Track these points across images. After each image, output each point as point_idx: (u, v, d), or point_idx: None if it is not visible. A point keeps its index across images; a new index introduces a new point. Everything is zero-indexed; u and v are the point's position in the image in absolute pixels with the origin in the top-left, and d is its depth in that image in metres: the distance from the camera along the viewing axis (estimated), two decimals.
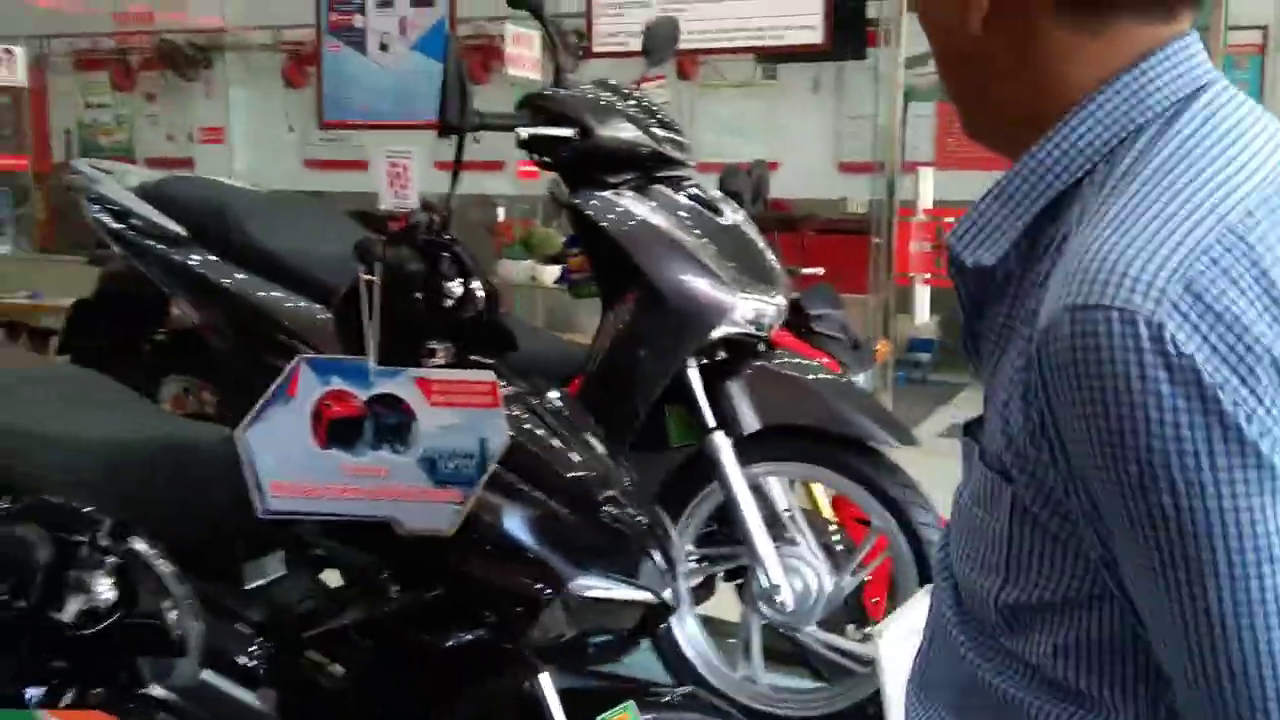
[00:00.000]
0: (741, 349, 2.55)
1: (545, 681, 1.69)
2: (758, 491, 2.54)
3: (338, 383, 1.58)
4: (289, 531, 1.81)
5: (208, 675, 1.74)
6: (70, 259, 5.81)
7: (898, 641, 2.08)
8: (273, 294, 2.80)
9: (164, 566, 1.62)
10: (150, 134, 10.15)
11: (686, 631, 2.66)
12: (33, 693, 1.67)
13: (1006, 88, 0.86)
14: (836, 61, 7.33)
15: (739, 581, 2.76)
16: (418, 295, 1.66)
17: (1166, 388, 0.68)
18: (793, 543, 2.54)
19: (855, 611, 2.76)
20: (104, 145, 10.11)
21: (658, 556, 1.78)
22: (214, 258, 2.85)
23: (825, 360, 2.78)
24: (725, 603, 2.86)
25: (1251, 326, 0.69)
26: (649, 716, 1.74)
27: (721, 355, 2.56)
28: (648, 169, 2.54)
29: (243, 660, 1.77)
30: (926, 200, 5.57)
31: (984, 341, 0.90)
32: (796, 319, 2.86)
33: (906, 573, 2.45)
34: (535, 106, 2.50)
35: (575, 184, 2.55)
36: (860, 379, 3.07)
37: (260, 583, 1.91)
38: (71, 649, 1.63)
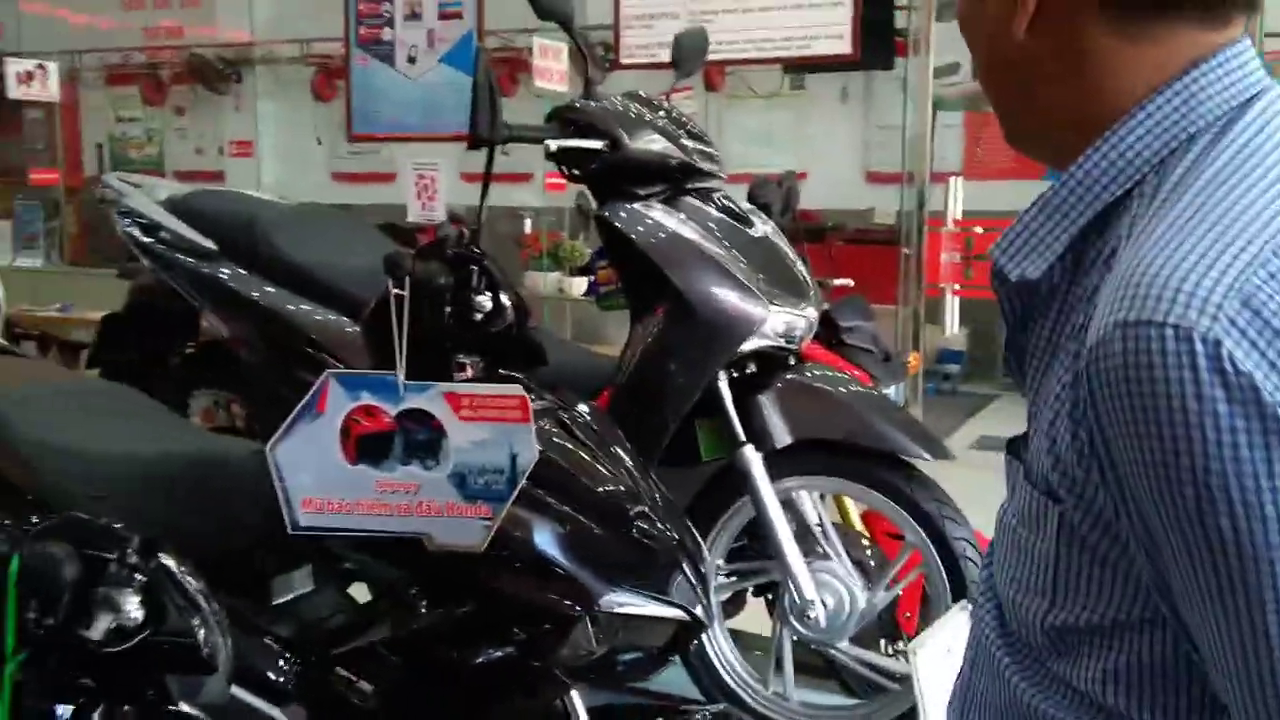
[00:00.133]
0: (772, 362, 2.53)
1: (575, 699, 1.68)
2: (789, 506, 2.51)
3: (367, 398, 1.58)
4: (317, 546, 1.81)
5: (237, 692, 1.73)
6: (101, 272, 5.86)
7: (933, 658, 2.05)
8: (301, 307, 2.80)
9: (192, 583, 1.61)
10: (180, 147, 10.24)
11: (717, 647, 2.63)
12: (62, 710, 1.66)
13: (1052, 96, 0.83)
14: (864, 71, 7.30)
15: (769, 596, 2.74)
16: (447, 309, 1.65)
17: (1224, 407, 0.66)
18: (825, 558, 2.51)
19: (888, 627, 2.72)
20: (134, 159, 10.21)
21: (689, 572, 1.76)
22: (243, 271, 2.86)
23: (856, 373, 2.75)
24: (754, 616, 2.83)
25: None
26: None
27: (751, 368, 2.53)
28: (677, 181, 2.52)
29: (271, 677, 1.76)
30: (957, 211, 5.53)
31: (1028, 357, 0.88)
32: (827, 331, 2.83)
33: (940, 588, 2.42)
34: (564, 119, 2.49)
35: (604, 196, 2.53)
36: (892, 391, 3.04)
37: (288, 598, 1.90)
38: (100, 666, 1.62)
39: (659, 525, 1.76)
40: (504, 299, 1.69)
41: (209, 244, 2.89)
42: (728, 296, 2.42)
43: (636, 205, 2.48)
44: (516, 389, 1.57)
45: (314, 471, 1.58)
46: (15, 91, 6.29)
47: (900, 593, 2.62)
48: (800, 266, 2.61)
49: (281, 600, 1.89)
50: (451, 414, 1.56)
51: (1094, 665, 0.81)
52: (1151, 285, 0.69)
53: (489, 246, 1.78)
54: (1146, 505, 0.71)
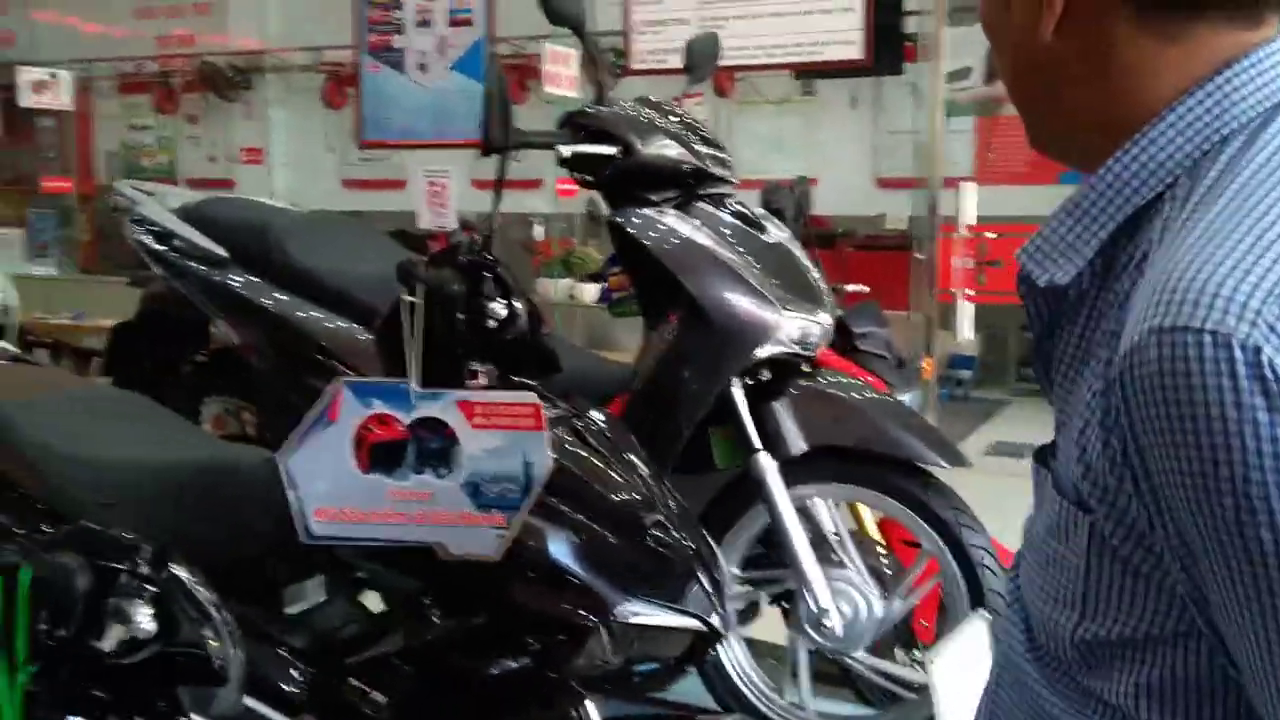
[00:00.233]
0: (786, 369, 2.51)
1: (591, 710, 1.66)
2: (804, 513, 2.49)
3: (379, 406, 1.57)
4: (329, 555, 1.79)
5: (249, 702, 1.72)
6: (113, 280, 5.86)
7: (950, 667, 2.03)
8: (313, 315, 2.80)
9: (204, 593, 1.60)
10: (191, 155, 10.27)
11: (732, 656, 2.61)
12: None
13: (1079, 98, 0.82)
14: (874, 78, 7.29)
15: (785, 605, 2.72)
16: (460, 316, 1.63)
17: (1264, 415, 0.64)
18: (841, 566, 2.49)
19: (904, 635, 2.70)
20: (146, 167, 10.24)
21: (705, 582, 1.74)
22: (254, 279, 2.85)
23: (871, 379, 2.73)
24: (768, 624, 2.81)
25: None
26: None
27: (765, 375, 2.51)
28: (690, 186, 2.50)
29: (284, 687, 1.75)
30: (970, 216, 5.50)
31: (1055, 364, 0.86)
32: (841, 337, 2.81)
33: (957, 596, 2.40)
34: (576, 124, 2.48)
35: (617, 202, 2.52)
36: (906, 398, 3.01)
37: (301, 607, 1.89)
38: (112, 678, 1.61)
39: (675, 534, 1.75)
40: (518, 305, 1.68)
41: (221, 251, 2.89)
42: (742, 303, 2.40)
43: (649, 211, 2.47)
44: (531, 397, 1.56)
45: (327, 480, 1.57)
46: (28, 100, 6.31)
47: (917, 601, 2.60)
48: (815, 272, 2.59)
49: (294, 610, 1.88)
50: (465, 422, 1.55)
51: (1126, 679, 0.79)
52: (1188, 290, 0.67)
53: (499, 253, 1.76)
54: (1183, 515, 0.69)
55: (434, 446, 1.56)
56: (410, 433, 1.56)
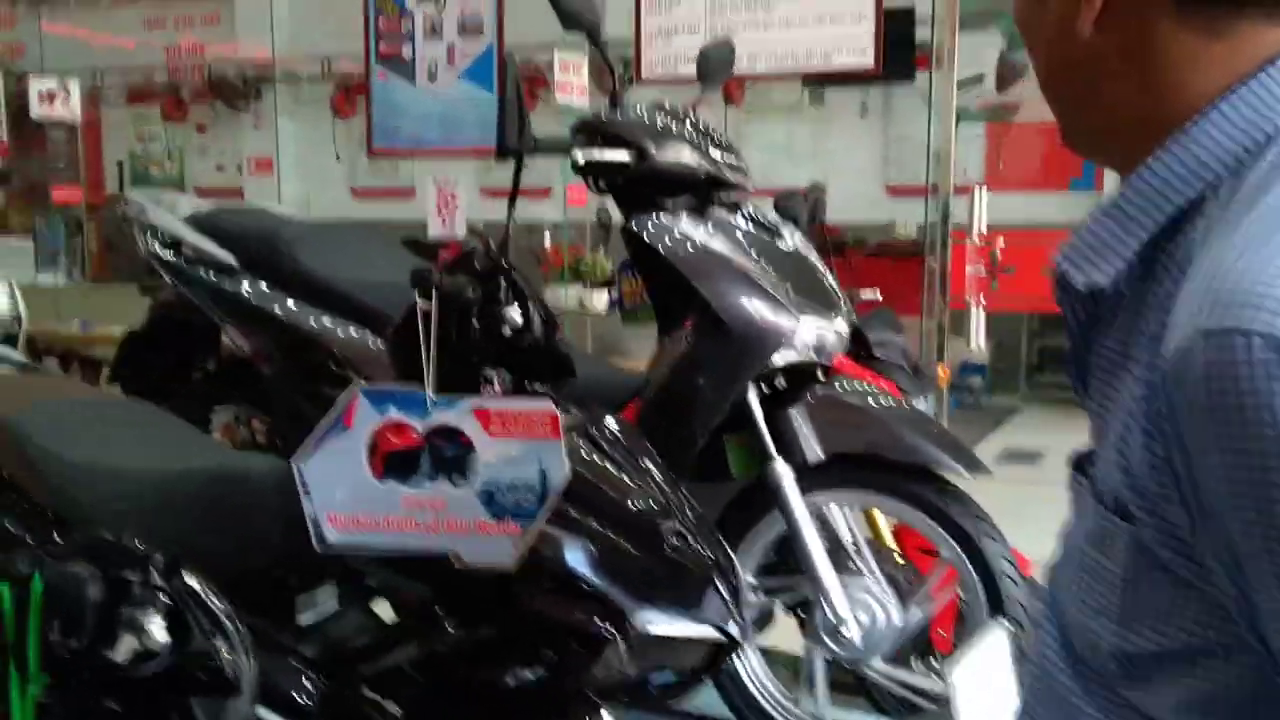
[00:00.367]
0: (802, 376, 2.49)
1: None
2: (820, 521, 2.47)
3: (394, 413, 1.55)
4: (342, 563, 1.78)
5: (262, 713, 1.70)
6: (123, 289, 5.86)
7: (971, 677, 2.00)
8: (324, 322, 2.79)
9: (216, 604, 1.58)
10: (200, 164, 10.28)
11: (748, 665, 2.59)
12: None
13: (1118, 94, 0.80)
14: (883, 86, 7.27)
15: (800, 613, 2.69)
16: (475, 323, 1.62)
17: None
18: (858, 574, 2.46)
19: (921, 644, 2.67)
20: (155, 176, 10.25)
21: (723, 590, 1.72)
22: (264, 286, 2.84)
23: (887, 386, 2.71)
24: (784, 633, 2.78)
25: None
26: None
27: (780, 382, 2.49)
28: (704, 193, 2.49)
29: (297, 698, 1.73)
30: (982, 223, 5.49)
31: (1093, 369, 0.84)
32: (856, 344, 2.79)
33: (977, 605, 2.37)
34: (591, 130, 2.46)
35: (631, 208, 2.50)
36: (921, 405, 2.99)
37: (313, 616, 1.87)
38: (124, 690, 1.59)
39: (692, 542, 1.72)
40: (533, 311, 1.66)
41: (231, 259, 2.88)
42: (758, 309, 2.39)
43: (664, 217, 2.45)
44: (548, 404, 1.54)
45: (341, 488, 1.56)
46: (38, 111, 6.32)
47: (935, 610, 2.57)
48: (830, 279, 2.57)
49: (306, 619, 1.86)
50: (481, 430, 1.53)
51: (1170, 693, 0.77)
52: (1235, 292, 0.65)
53: (513, 260, 1.75)
54: (1231, 524, 0.67)
55: (449, 454, 1.54)
56: (425, 440, 1.54)
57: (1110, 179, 7.27)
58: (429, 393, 1.55)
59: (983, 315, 5.54)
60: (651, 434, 2.07)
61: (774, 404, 2.45)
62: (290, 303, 2.83)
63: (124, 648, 1.50)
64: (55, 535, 1.76)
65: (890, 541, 2.80)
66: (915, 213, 6.53)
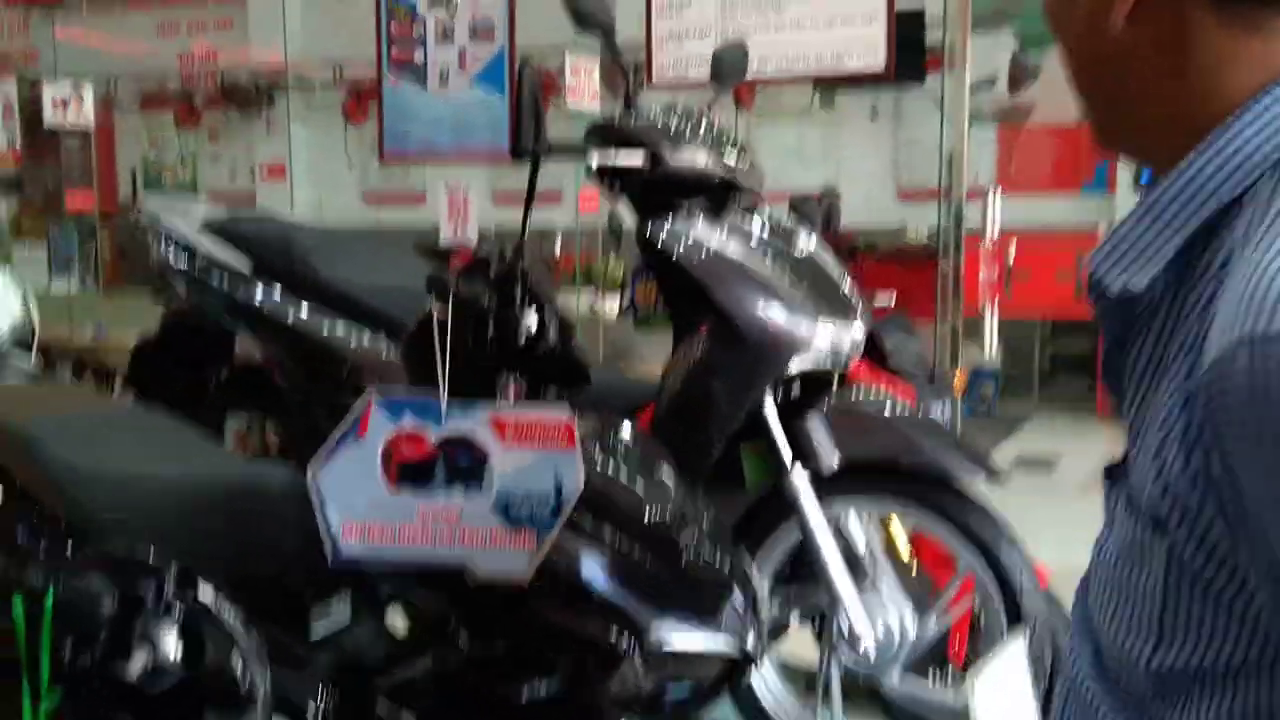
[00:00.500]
0: (818, 383, 2.46)
1: None
2: (836, 531, 2.44)
3: (410, 420, 1.53)
4: (356, 573, 1.76)
5: None
6: (136, 296, 5.86)
7: (991, 689, 1.97)
8: (337, 328, 2.78)
9: (230, 616, 1.57)
10: (213, 171, 10.30)
11: (762, 676, 2.56)
12: None
13: (1152, 91, 0.77)
14: (894, 89, 7.25)
15: (815, 624, 2.66)
16: (490, 329, 1.60)
17: None
18: (874, 585, 2.44)
19: (937, 655, 2.64)
20: (168, 183, 10.27)
21: (740, 603, 1.70)
22: (278, 293, 2.84)
23: (901, 392, 2.68)
24: (798, 643, 2.76)
25: None
26: None
27: (796, 389, 2.47)
28: (719, 197, 2.46)
29: (311, 710, 1.71)
30: (995, 227, 5.46)
31: (1128, 376, 0.81)
32: (872, 350, 2.77)
33: (995, 616, 2.34)
34: (605, 134, 2.44)
35: (645, 212, 2.48)
36: (936, 411, 2.97)
37: (327, 627, 1.86)
38: (137, 704, 1.58)
39: (709, 553, 1.70)
40: (548, 317, 1.64)
41: (244, 266, 2.87)
42: (773, 316, 2.36)
43: (678, 222, 2.43)
44: (564, 413, 1.52)
45: (355, 498, 1.54)
46: (51, 117, 6.33)
47: (952, 621, 2.55)
48: (846, 284, 2.54)
49: (320, 629, 1.85)
50: (496, 438, 1.51)
51: (1206, 711, 0.74)
52: (1277, 296, 0.63)
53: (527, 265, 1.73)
54: (1276, 536, 0.65)
55: (464, 464, 1.52)
56: (440, 450, 1.52)
57: (1123, 182, 7.23)
58: (443, 400, 1.53)
59: (996, 320, 5.52)
60: (666, 442, 2.05)
61: (790, 411, 2.42)
62: (303, 309, 2.82)
63: (137, 662, 1.49)
64: (68, 546, 1.75)
65: (906, 552, 2.77)
66: (926, 217, 6.50)
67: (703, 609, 1.66)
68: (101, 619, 1.51)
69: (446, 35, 4.98)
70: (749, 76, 3.21)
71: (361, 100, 8.80)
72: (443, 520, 1.53)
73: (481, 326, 1.58)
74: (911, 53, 5.49)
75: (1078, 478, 5.63)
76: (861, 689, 2.65)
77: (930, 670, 2.67)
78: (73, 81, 6.39)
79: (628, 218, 2.61)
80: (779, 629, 2.72)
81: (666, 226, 2.43)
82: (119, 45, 9.70)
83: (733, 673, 1.74)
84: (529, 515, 1.51)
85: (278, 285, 2.84)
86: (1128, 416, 0.81)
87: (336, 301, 2.80)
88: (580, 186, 5.14)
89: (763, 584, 2.48)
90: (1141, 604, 0.77)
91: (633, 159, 2.36)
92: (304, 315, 2.80)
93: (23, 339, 4.15)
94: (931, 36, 6.08)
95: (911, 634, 2.40)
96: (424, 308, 1.61)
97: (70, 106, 6.30)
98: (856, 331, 2.47)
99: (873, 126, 8.45)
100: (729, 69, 2.71)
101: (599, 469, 1.67)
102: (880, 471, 2.41)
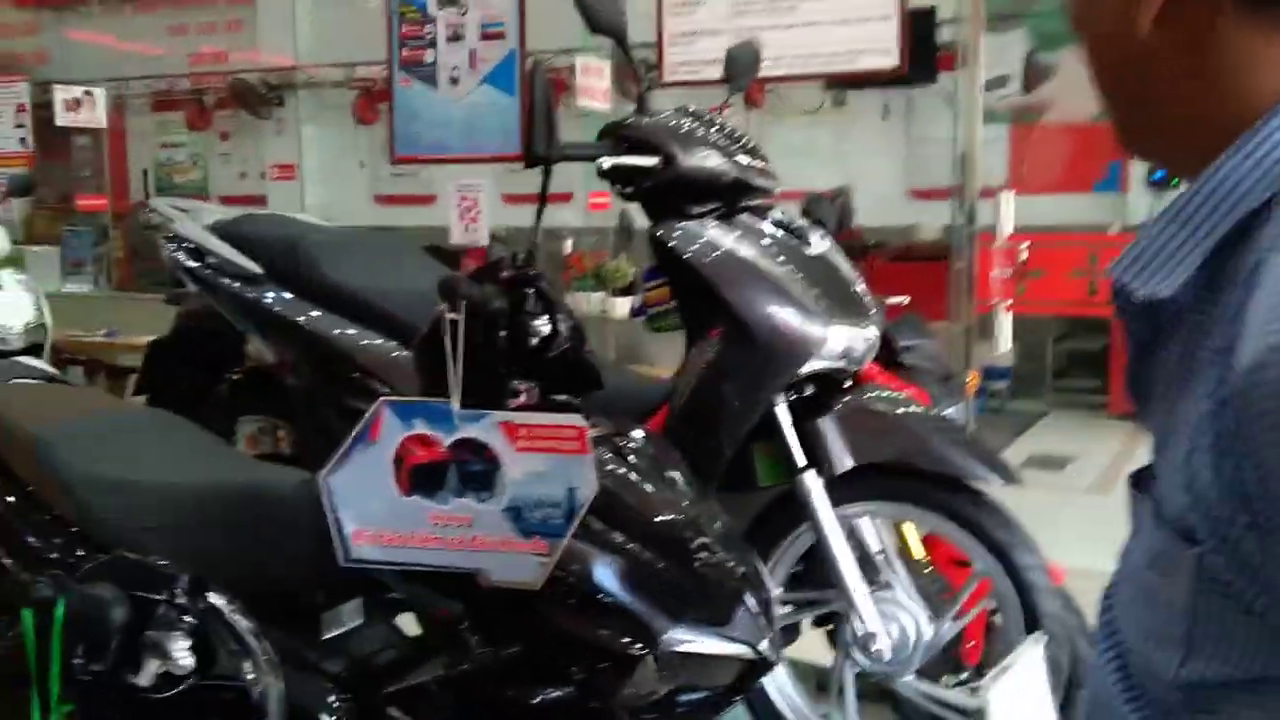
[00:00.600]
0: (830, 384, 2.45)
1: None
2: (849, 533, 2.43)
3: (421, 426, 1.52)
4: (367, 578, 1.75)
5: None
6: (148, 298, 5.87)
7: (1007, 694, 1.96)
8: (348, 332, 2.77)
9: (242, 622, 1.56)
10: (223, 172, 10.32)
11: (777, 681, 2.55)
12: None
13: (1179, 93, 0.76)
14: (906, 88, 7.23)
15: (829, 627, 2.65)
16: (502, 333, 1.59)
17: None
18: (888, 587, 2.42)
19: (951, 658, 2.62)
20: (179, 184, 10.30)
21: (754, 607, 1.68)
22: (289, 295, 2.83)
23: (915, 393, 2.66)
24: (811, 646, 2.74)
25: None
26: None
27: (809, 390, 2.45)
28: (732, 198, 2.45)
29: (323, 716, 1.70)
30: (1008, 226, 5.44)
31: (1153, 384, 0.80)
32: (885, 350, 2.75)
33: (1011, 619, 2.32)
34: (617, 135, 2.43)
35: (657, 214, 2.47)
36: (950, 411, 2.94)
37: (339, 632, 1.85)
38: (149, 713, 1.57)
39: (721, 556, 1.69)
40: (561, 322, 1.63)
41: (255, 268, 2.87)
42: (786, 316, 2.34)
43: (690, 223, 2.41)
44: (576, 418, 1.51)
45: (367, 502, 1.53)
46: (63, 119, 6.35)
47: (967, 623, 2.53)
48: (860, 284, 2.53)
49: (331, 634, 1.84)
50: (508, 444, 1.50)
51: None
52: None
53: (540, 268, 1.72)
54: None
55: (476, 469, 1.51)
56: (452, 454, 1.51)
57: (1135, 182, 7.20)
58: (455, 404, 1.52)
59: (1009, 318, 5.50)
60: (679, 444, 2.04)
61: (803, 412, 2.41)
62: (315, 312, 2.81)
63: (148, 671, 1.48)
64: (79, 551, 1.74)
65: (920, 553, 2.76)
66: (938, 216, 6.48)
67: (716, 613, 1.65)
68: (113, 625, 1.50)
69: (457, 36, 4.97)
70: (762, 76, 3.20)
71: (372, 101, 8.80)
72: (454, 525, 1.52)
73: (493, 331, 1.57)
74: (923, 51, 5.47)
75: (1090, 476, 5.60)
76: (875, 691, 2.64)
77: (945, 673, 2.65)
78: (84, 83, 6.41)
79: (639, 218, 2.60)
80: (791, 632, 2.71)
81: (678, 228, 2.41)
82: (129, 46, 9.73)
83: (747, 678, 1.73)
84: (541, 521, 1.50)
85: (289, 287, 2.83)
86: (1153, 424, 0.80)
87: (348, 304, 2.79)
88: (591, 187, 5.13)
89: (776, 586, 2.47)
90: (1169, 615, 0.75)
91: (644, 160, 2.35)
92: (315, 318, 2.79)
93: (36, 340, 4.16)
94: (943, 35, 6.07)
95: (926, 636, 2.38)
96: (435, 311, 1.60)
97: (82, 107, 6.32)
98: (870, 332, 2.46)
99: (884, 125, 8.43)
100: (741, 68, 2.70)
101: (611, 473, 1.66)
102: (894, 473, 2.40)
